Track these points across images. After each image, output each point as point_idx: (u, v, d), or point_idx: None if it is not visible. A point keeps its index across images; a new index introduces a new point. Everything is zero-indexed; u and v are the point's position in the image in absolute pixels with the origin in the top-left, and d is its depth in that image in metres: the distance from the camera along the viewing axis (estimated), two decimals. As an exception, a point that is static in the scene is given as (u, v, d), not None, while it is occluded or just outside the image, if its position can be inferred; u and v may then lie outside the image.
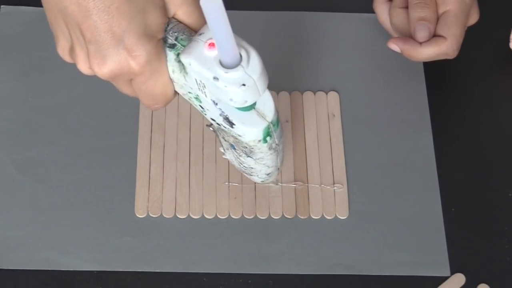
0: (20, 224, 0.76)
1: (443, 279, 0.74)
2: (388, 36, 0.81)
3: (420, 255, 0.75)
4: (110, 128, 0.81)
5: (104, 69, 0.59)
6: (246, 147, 0.64)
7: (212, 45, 0.58)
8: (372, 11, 0.83)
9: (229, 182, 0.78)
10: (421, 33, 0.75)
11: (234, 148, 0.66)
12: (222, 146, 0.70)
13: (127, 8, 0.56)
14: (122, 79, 0.61)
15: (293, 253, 0.75)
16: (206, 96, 0.61)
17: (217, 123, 0.63)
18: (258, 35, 0.87)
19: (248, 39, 0.87)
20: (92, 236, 0.75)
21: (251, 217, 0.77)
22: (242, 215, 0.77)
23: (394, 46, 0.77)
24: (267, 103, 0.62)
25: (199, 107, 0.63)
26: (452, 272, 0.75)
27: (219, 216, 0.77)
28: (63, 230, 0.75)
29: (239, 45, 0.57)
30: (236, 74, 0.57)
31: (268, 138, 0.63)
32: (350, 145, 0.81)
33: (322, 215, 0.77)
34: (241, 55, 0.57)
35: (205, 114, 0.64)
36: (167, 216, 0.77)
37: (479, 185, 0.79)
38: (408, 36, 0.77)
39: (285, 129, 0.81)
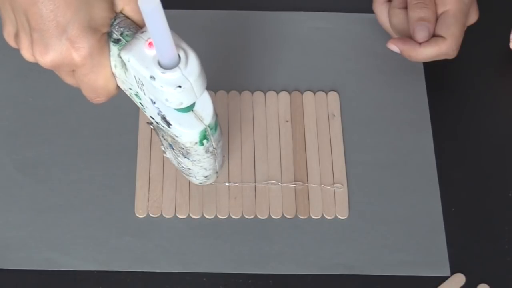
0: (20, 224, 0.76)
1: (443, 279, 0.74)
2: (387, 37, 0.81)
3: (420, 255, 0.75)
4: (110, 128, 0.81)
5: (46, 58, 0.59)
6: (183, 148, 0.65)
7: (151, 44, 0.58)
8: (372, 11, 0.83)
9: (229, 182, 0.78)
10: (421, 34, 0.75)
11: (173, 148, 0.67)
12: (162, 145, 0.70)
13: None
14: (64, 70, 0.61)
15: (293, 253, 0.75)
16: (144, 94, 0.61)
17: (156, 122, 0.64)
18: (258, 35, 0.87)
19: (248, 39, 0.87)
20: (92, 236, 0.75)
21: (251, 217, 0.77)
22: (242, 215, 0.77)
23: (394, 46, 0.77)
24: (206, 106, 0.62)
25: (139, 104, 0.64)
26: (452, 272, 0.75)
27: (219, 216, 0.77)
28: (63, 230, 0.75)
29: (179, 46, 0.57)
30: (172, 75, 0.57)
31: (204, 141, 0.63)
32: (350, 145, 0.81)
33: (322, 215, 0.77)
34: (180, 57, 0.57)
35: (145, 112, 0.64)
36: (167, 216, 0.77)
37: (479, 185, 0.79)
38: (407, 36, 0.77)
39: (285, 129, 0.81)
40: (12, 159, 0.79)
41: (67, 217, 0.76)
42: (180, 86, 0.57)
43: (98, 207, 0.77)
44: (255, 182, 0.78)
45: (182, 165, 0.69)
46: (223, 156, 0.70)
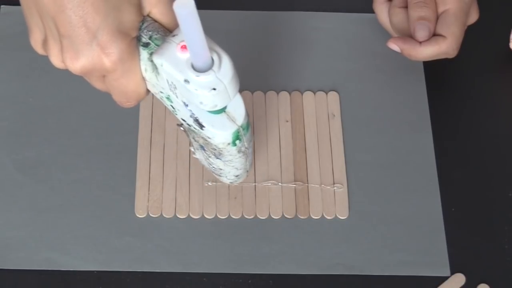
0: (20, 224, 0.76)
1: (443, 279, 0.74)
2: (388, 36, 0.81)
3: (420, 255, 0.75)
4: (110, 128, 0.81)
5: (76, 64, 0.59)
6: (215, 149, 0.65)
7: (184, 47, 0.58)
8: (372, 11, 0.83)
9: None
10: (421, 33, 0.75)
11: (204, 149, 0.67)
12: (192, 146, 0.70)
13: (101, 4, 0.56)
14: (95, 75, 0.61)
15: (293, 253, 0.75)
16: (177, 97, 0.61)
17: (188, 124, 0.64)
18: (258, 35, 0.87)
19: (248, 39, 0.87)
20: (92, 236, 0.75)
21: (251, 217, 0.77)
22: (242, 215, 0.77)
23: (394, 45, 0.77)
24: (238, 107, 0.62)
25: (170, 107, 0.64)
26: (452, 272, 0.75)
27: (219, 216, 0.77)
28: (63, 230, 0.75)
29: (212, 49, 0.57)
30: (207, 78, 0.57)
31: (237, 142, 0.63)
32: (350, 145, 0.81)
33: (322, 215, 0.77)
34: (213, 59, 0.57)
35: (176, 114, 0.64)
36: (167, 216, 0.77)
37: (479, 185, 0.79)
38: (407, 35, 0.77)
39: (285, 129, 0.81)
40: (12, 159, 0.79)
41: (67, 217, 0.76)
42: (214, 89, 0.57)
43: (98, 207, 0.77)
44: (255, 182, 0.78)
45: (214, 165, 0.69)
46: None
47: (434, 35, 0.76)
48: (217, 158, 0.66)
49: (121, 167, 0.79)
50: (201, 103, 0.58)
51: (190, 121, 0.63)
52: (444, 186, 0.79)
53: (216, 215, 0.77)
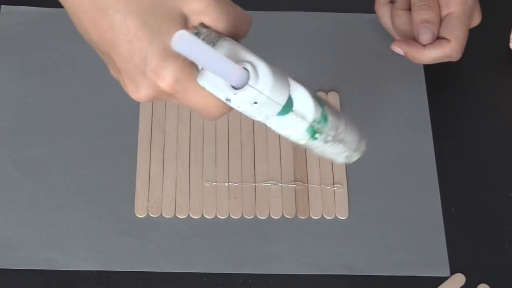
0: (20, 224, 0.76)
1: (443, 279, 0.74)
2: (388, 37, 0.82)
3: (420, 255, 0.75)
4: (110, 128, 0.81)
5: (140, 96, 0.58)
6: (301, 145, 0.61)
7: None
8: (372, 11, 0.83)
9: (229, 182, 0.78)
10: (425, 36, 0.75)
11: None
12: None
13: (144, 33, 0.55)
14: (163, 99, 0.60)
15: (293, 253, 0.75)
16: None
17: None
18: (258, 35, 0.87)
19: (248, 39, 0.87)
20: (92, 236, 0.75)
21: (251, 217, 0.77)
22: (242, 215, 0.77)
23: (398, 49, 0.77)
24: (305, 102, 0.58)
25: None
26: (452, 272, 0.75)
27: (219, 216, 0.77)
28: (63, 230, 0.75)
29: (244, 61, 0.55)
30: (244, 95, 0.54)
31: (317, 135, 0.59)
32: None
33: (322, 215, 0.77)
34: (248, 71, 0.54)
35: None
36: (167, 216, 0.77)
37: (479, 185, 0.79)
38: (410, 38, 0.77)
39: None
40: (12, 159, 0.79)
41: (67, 217, 0.76)
42: (256, 102, 0.55)
43: (98, 207, 0.77)
44: (255, 182, 0.78)
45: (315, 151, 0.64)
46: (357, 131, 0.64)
47: (438, 38, 0.76)
48: (309, 148, 0.62)
49: (121, 167, 0.79)
50: (251, 116, 0.56)
51: (264, 126, 0.59)
52: (444, 186, 0.79)
53: (216, 215, 0.77)
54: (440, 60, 0.77)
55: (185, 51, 0.52)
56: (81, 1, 0.56)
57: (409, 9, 0.78)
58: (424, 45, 0.76)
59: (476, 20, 0.79)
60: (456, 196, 0.79)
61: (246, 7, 0.89)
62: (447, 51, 0.76)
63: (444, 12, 0.77)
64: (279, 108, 0.56)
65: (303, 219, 0.77)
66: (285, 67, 0.85)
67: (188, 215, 0.77)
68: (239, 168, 0.79)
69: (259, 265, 0.75)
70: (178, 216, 0.77)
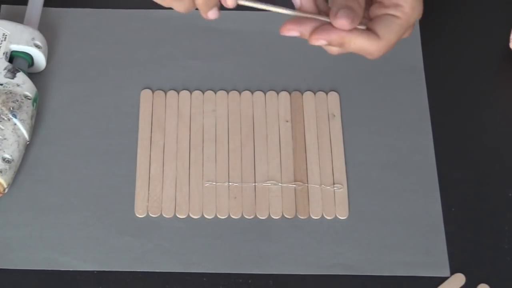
0: (20, 224, 0.76)
1: (443, 279, 0.74)
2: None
3: (420, 256, 0.75)
4: (110, 128, 0.81)
5: None
6: None
7: None
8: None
9: (229, 182, 0.78)
10: (343, 19, 0.66)
11: None
12: None
13: None
14: None
15: (293, 253, 0.75)
16: None
17: None
18: (258, 35, 0.87)
19: (248, 39, 0.87)
20: (92, 236, 0.75)
21: (251, 217, 0.77)
22: (242, 215, 0.77)
23: (320, 40, 0.67)
24: None
25: None
26: (452, 272, 0.75)
27: (219, 216, 0.77)
28: (63, 230, 0.75)
29: None
30: None
31: None
32: (350, 145, 0.81)
33: (322, 215, 0.77)
34: None
35: None
36: (167, 216, 0.77)
37: (479, 185, 0.79)
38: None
39: (285, 129, 0.81)
40: (12, 159, 0.79)
41: (67, 217, 0.76)
42: None
43: (98, 207, 0.77)
44: (255, 182, 0.78)
45: None
46: None
47: (368, 29, 0.69)
48: None
49: (121, 167, 0.79)
50: None
51: None
52: (444, 186, 0.79)
53: (216, 215, 0.77)
54: (358, 52, 0.68)
55: None
56: None
57: None
58: (347, 31, 0.67)
59: (408, 33, 0.72)
60: (456, 196, 0.79)
61: (246, 7, 0.89)
62: (373, 47, 0.68)
63: (390, 11, 0.69)
64: None
65: (303, 219, 0.77)
66: (285, 67, 0.85)
67: (188, 215, 0.77)
68: (239, 168, 0.79)
69: (259, 265, 0.75)
70: (178, 216, 0.77)
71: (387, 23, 0.69)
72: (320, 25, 0.67)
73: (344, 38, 0.66)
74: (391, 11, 0.69)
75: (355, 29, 0.66)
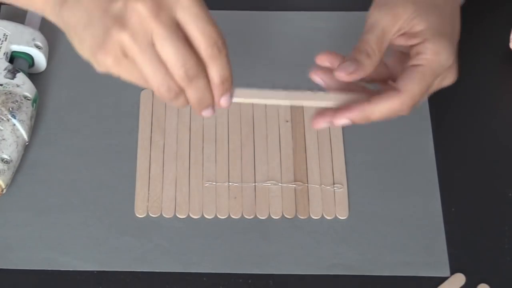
0: (20, 224, 0.76)
1: (443, 279, 0.74)
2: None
3: (420, 255, 0.75)
4: (110, 128, 0.81)
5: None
6: None
7: None
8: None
9: (229, 182, 0.78)
10: (346, 68, 0.65)
11: None
12: None
13: None
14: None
15: (293, 253, 0.75)
16: None
17: None
18: (258, 36, 0.87)
19: (248, 39, 0.87)
20: (92, 236, 0.75)
21: (251, 217, 0.77)
22: (242, 215, 0.77)
23: (343, 120, 0.65)
24: None
25: None
26: (452, 272, 0.75)
27: (219, 216, 0.77)
28: (63, 230, 0.75)
29: None
30: None
31: None
32: (350, 145, 0.81)
33: (322, 215, 0.77)
34: None
35: None
36: (167, 216, 0.77)
37: (479, 185, 0.79)
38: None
39: (285, 129, 0.81)
40: (12, 159, 0.79)
41: (67, 217, 0.76)
42: None
43: (98, 207, 0.77)
44: (255, 182, 0.78)
45: None
46: None
47: (391, 89, 0.65)
48: None
49: (121, 167, 0.79)
50: None
51: None
52: (444, 186, 0.79)
53: (216, 215, 0.77)
54: (390, 117, 0.65)
55: None
56: None
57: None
58: (369, 101, 0.64)
59: (448, 80, 0.69)
60: (456, 196, 0.79)
61: (247, 7, 0.90)
62: (396, 103, 0.64)
63: (413, 62, 0.66)
64: None
65: (303, 219, 0.77)
66: (285, 67, 0.86)
67: (188, 215, 0.77)
68: (239, 168, 0.79)
69: (259, 265, 0.75)
70: (178, 216, 0.77)
71: (407, 74, 0.65)
72: (343, 106, 0.65)
73: (365, 111, 0.64)
74: (413, 61, 0.66)
75: (374, 97, 0.64)
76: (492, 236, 0.77)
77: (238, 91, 0.64)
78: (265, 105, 0.83)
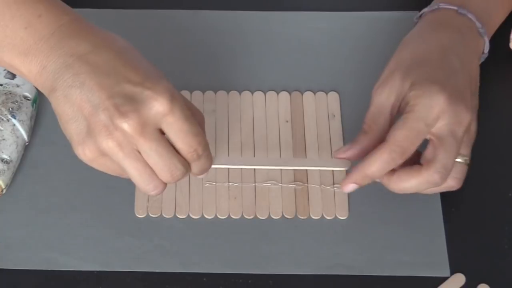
0: (20, 224, 0.76)
1: (443, 279, 0.74)
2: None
3: (420, 256, 0.75)
4: (110, 128, 0.81)
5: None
6: None
7: None
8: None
9: (229, 182, 0.78)
10: (338, 154, 0.71)
11: None
12: None
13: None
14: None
15: (293, 253, 0.75)
16: None
17: None
18: (258, 36, 0.87)
19: (247, 39, 0.87)
20: (92, 236, 0.75)
21: (251, 217, 0.77)
22: (242, 215, 0.77)
23: (352, 185, 0.70)
24: None
25: None
26: (452, 272, 0.75)
27: (219, 216, 0.77)
28: (63, 230, 0.75)
29: None
30: None
31: None
32: (350, 145, 0.81)
33: (322, 215, 0.77)
34: None
35: None
36: (167, 216, 0.77)
37: (479, 185, 0.79)
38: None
39: (285, 129, 0.81)
40: (12, 159, 0.79)
41: (67, 217, 0.76)
42: None
43: (98, 207, 0.77)
44: (255, 182, 0.78)
45: None
46: None
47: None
48: None
49: (121, 167, 0.79)
50: None
51: None
52: (444, 186, 0.79)
53: (216, 215, 0.77)
54: (386, 168, 0.68)
55: None
56: None
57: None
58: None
59: (473, 133, 0.72)
60: (456, 196, 0.79)
61: (246, 7, 0.90)
62: (384, 154, 0.67)
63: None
64: None
65: (303, 219, 0.77)
66: (285, 67, 0.86)
67: (188, 215, 0.77)
68: (239, 168, 0.79)
69: (259, 265, 0.75)
70: (178, 216, 0.77)
71: (394, 125, 0.69)
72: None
73: (364, 170, 0.68)
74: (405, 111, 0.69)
75: (367, 156, 0.68)
76: (492, 236, 0.77)
77: (217, 158, 0.72)
78: (265, 105, 0.83)
